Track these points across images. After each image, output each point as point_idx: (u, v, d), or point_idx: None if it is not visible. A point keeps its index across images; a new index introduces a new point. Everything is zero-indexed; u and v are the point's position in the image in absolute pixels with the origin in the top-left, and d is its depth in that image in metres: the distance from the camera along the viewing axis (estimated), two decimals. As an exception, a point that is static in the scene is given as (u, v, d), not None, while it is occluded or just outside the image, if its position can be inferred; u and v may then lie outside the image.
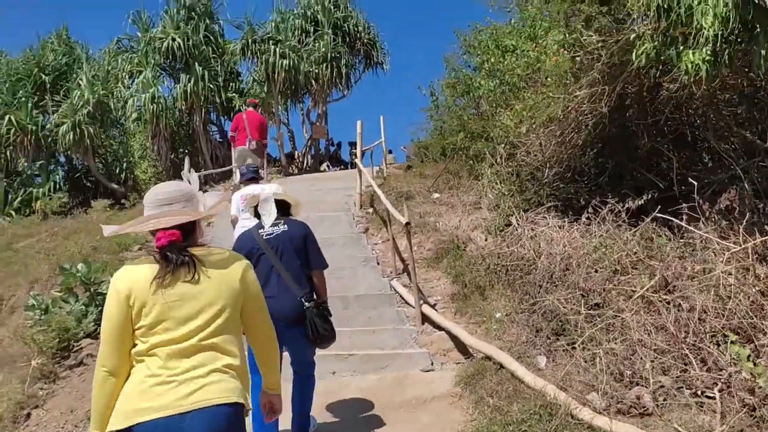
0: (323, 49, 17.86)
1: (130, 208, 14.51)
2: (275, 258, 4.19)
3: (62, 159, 17.75)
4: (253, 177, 6.80)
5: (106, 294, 2.34)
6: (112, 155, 17.69)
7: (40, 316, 7.09)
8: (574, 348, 5.07)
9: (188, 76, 17.48)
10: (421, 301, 6.97)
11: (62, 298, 7.52)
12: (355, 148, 12.34)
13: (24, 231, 12.80)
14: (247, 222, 5.66)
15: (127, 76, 17.98)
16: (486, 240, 8.67)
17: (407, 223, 6.72)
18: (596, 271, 6.24)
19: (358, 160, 11.56)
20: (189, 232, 2.40)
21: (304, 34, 18.50)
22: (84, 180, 17.62)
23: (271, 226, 4.27)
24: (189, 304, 2.26)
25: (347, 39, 19.02)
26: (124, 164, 17.29)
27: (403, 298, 7.55)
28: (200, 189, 2.62)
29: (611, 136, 8.95)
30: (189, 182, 2.58)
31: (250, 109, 12.21)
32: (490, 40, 10.15)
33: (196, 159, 18.23)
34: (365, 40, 19.44)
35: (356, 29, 19.25)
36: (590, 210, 8.00)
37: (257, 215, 4.41)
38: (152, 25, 18.18)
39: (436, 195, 11.42)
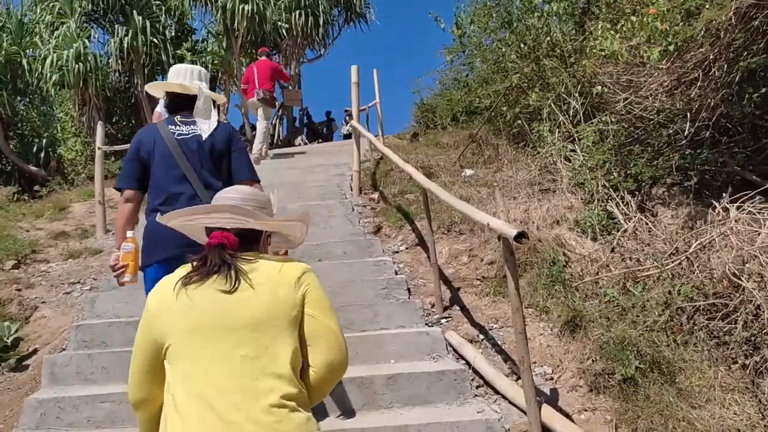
0: (295, -8, 13.66)
1: (46, 197, 10.35)
2: (186, 165, 2.90)
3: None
4: None
5: None
6: (29, 129, 13.32)
7: None
8: None
9: (125, 29, 13.23)
10: (538, 397, 3.06)
11: None
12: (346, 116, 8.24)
13: None
14: None
15: (47, 30, 13.56)
16: (611, 248, 4.77)
17: (520, 235, 2.74)
18: None
19: (355, 122, 7.53)
20: (252, 241, 1.81)
21: (270, -25, 14.23)
22: (-6, 161, 13.26)
23: (185, 125, 3.01)
24: (226, 319, 1.58)
25: (324, -18, 14.83)
26: (44, 141, 12.93)
27: (478, 374, 3.65)
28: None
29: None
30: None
31: (263, 58, 10.42)
32: None
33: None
34: (345, -15, 15.27)
35: (334, -29, 15.05)
36: None
37: None
38: (79, -35, 13.65)
39: (469, 171, 7.50)
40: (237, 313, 1.59)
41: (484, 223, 3.12)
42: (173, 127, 3.00)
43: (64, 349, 4.36)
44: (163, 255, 2.72)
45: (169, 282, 1.69)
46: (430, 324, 4.49)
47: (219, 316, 1.59)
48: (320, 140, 15.98)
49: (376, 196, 7.28)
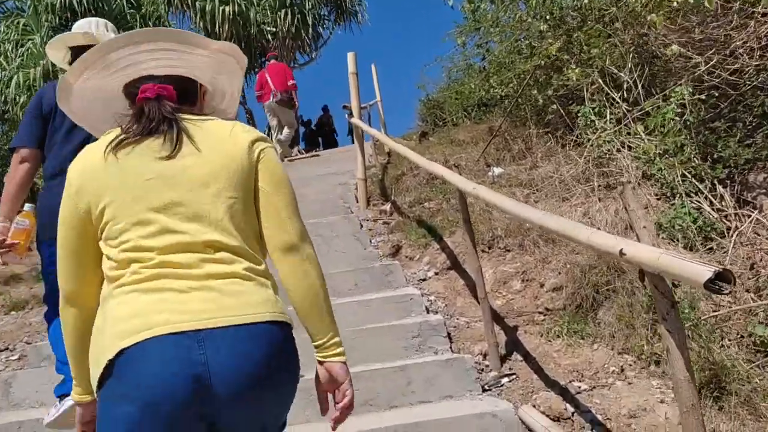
0: (280, -11, 12.32)
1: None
2: None
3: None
4: None
5: None
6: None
7: None
8: None
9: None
10: None
11: None
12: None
13: None
14: None
15: (13, 50, 12.27)
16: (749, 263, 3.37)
17: (721, 279, 1.34)
18: None
19: (356, 119, 6.15)
20: (189, 96, 1.41)
21: (252, -27, 12.90)
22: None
23: None
24: (171, 186, 1.25)
25: (310, -21, 13.48)
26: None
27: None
28: None
29: None
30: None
31: (272, 62, 9.78)
32: None
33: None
34: (334, -19, 13.93)
35: (321, -33, 13.71)
36: None
37: None
38: (44, -23, 12.34)
39: (497, 170, 6.09)
40: (179, 179, 1.25)
41: (609, 250, 1.71)
42: None
43: (-39, 461, 2.95)
44: None
45: (95, 148, 1.31)
46: (486, 386, 3.08)
47: (157, 183, 1.24)
48: (318, 147, 14.60)
49: (388, 207, 5.88)
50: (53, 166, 2.49)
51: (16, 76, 11.47)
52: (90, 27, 2.67)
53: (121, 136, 1.28)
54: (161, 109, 1.30)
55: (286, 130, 9.71)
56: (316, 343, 1.34)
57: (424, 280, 4.28)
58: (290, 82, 9.51)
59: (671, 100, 4.12)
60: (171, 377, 1.10)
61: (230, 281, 1.22)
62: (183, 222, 1.24)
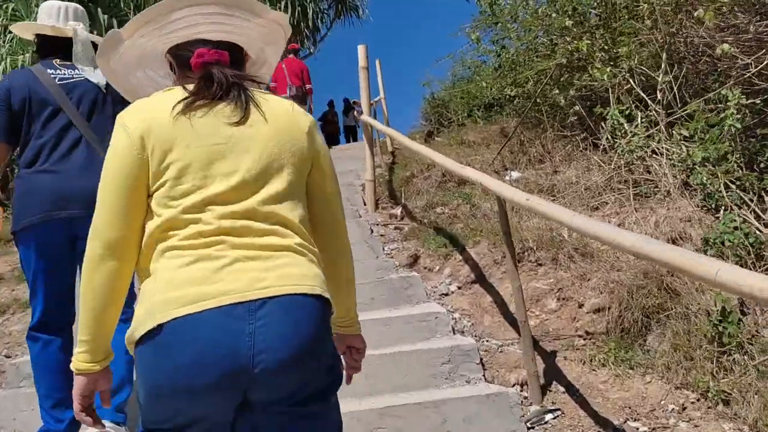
0: (280, -19, 11.87)
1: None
2: (76, 115, 2.43)
3: None
4: None
5: None
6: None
7: None
8: None
9: (89, 28, 11.29)
10: None
11: None
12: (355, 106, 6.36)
13: None
14: None
15: (0, 33, 11.76)
16: None
17: None
18: None
19: (366, 116, 5.75)
20: (237, 64, 1.37)
21: (251, -35, 12.41)
22: (-56, 185, 11.31)
23: (66, 68, 2.51)
24: (240, 152, 1.24)
25: (311, -28, 13.01)
26: (-1, 158, 11.03)
27: None
28: None
29: None
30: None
31: (291, 56, 9.67)
32: None
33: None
34: (335, -26, 13.48)
35: (322, -41, 13.25)
36: None
37: None
38: (35, -40, 11.82)
39: (515, 174, 5.71)
40: (247, 146, 1.25)
41: (757, 294, 1.30)
42: (52, 70, 2.49)
43: None
44: (35, 217, 2.27)
45: (158, 102, 1.25)
46: (529, 424, 2.69)
47: (226, 149, 1.23)
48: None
49: (398, 211, 5.46)
50: (30, 155, 2.38)
51: (4, 62, 10.94)
52: (59, 20, 2.55)
53: (193, 97, 1.23)
54: (226, 75, 1.27)
55: None
56: (341, 320, 1.48)
57: (446, 294, 3.87)
58: (308, 86, 9.44)
59: (729, 104, 3.72)
60: (220, 349, 1.09)
61: (285, 254, 1.22)
62: (245, 191, 1.22)
